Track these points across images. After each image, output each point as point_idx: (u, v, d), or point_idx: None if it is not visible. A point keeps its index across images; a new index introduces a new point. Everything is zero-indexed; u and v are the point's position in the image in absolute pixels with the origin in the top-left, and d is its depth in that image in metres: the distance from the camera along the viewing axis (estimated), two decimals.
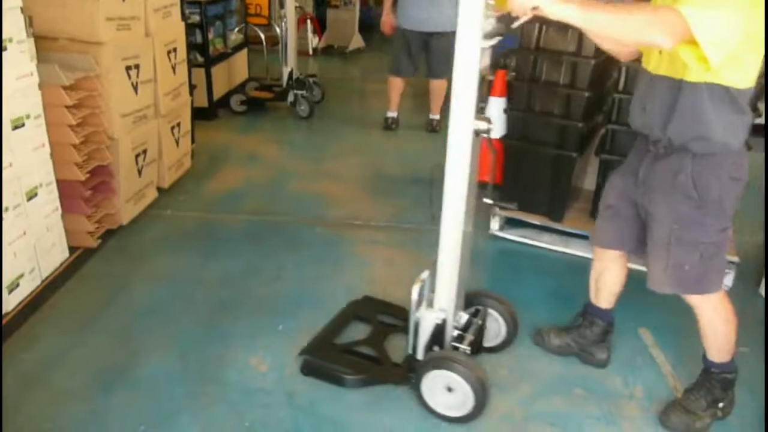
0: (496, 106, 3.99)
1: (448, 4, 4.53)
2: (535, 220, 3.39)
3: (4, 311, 2.48)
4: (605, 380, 2.37)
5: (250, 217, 3.64)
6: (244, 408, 2.17)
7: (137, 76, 3.23)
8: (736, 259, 2.97)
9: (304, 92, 5.51)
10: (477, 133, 1.84)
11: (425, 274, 2.12)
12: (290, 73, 5.56)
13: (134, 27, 3.19)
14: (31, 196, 2.58)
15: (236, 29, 5.98)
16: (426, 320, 2.13)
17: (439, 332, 2.14)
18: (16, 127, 2.45)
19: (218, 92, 5.42)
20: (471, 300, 2.35)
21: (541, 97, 3.18)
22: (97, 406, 2.15)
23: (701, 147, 1.84)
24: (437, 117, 5.24)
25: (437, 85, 5.03)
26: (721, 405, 2.15)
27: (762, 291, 2.98)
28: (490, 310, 2.37)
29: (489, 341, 2.42)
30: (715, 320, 2.06)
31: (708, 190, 1.87)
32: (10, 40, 2.38)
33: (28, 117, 2.51)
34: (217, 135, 5.03)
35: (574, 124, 3.10)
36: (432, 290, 2.14)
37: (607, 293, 2.36)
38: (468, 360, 2.07)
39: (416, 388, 2.14)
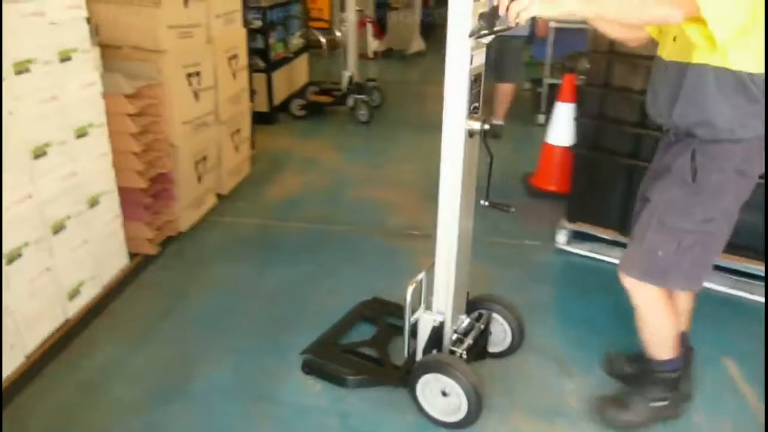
0: (565, 112, 3.83)
1: None
2: (605, 234, 3.19)
3: (65, 318, 2.50)
4: (687, 415, 2.17)
5: (309, 225, 3.59)
6: (297, 427, 2.10)
7: (198, 83, 3.23)
8: None
9: (364, 97, 5.45)
10: (471, 133, 1.81)
11: (421, 276, 2.12)
12: (350, 78, 5.52)
13: (196, 34, 3.19)
14: (93, 204, 2.60)
15: (298, 33, 5.99)
16: (424, 322, 2.12)
17: (436, 335, 2.11)
18: (80, 136, 2.46)
19: (279, 97, 5.43)
20: (475, 304, 2.30)
21: (615, 104, 2.99)
22: (152, 419, 2.12)
23: (706, 133, 1.74)
24: (500, 122, 5.08)
25: (504, 89, 4.87)
26: (663, 404, 2.05)
27: None
28: (495, 315, 2.32)
29: (494, 347, 2.37)
30: (659, 317, 1.97)
31: (708, 178, 1.76)
32: (75, 50, 2.39)
33: (91, 126, 2.53)
34: (276, 140, 5.03)
35: (651, 132, 2.89)
36: (431, 293, 2.12)
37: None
38: (463, 364, 2.03)
39: (411, 391, 2.10)
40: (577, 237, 3.30)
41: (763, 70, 1.66)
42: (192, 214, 3.37)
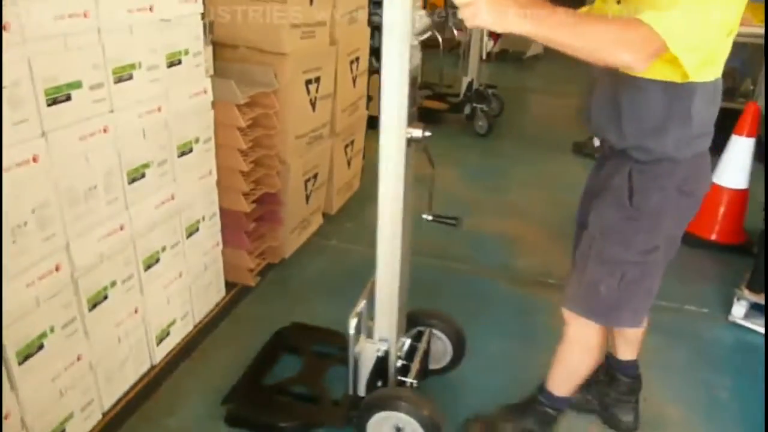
0: (743, 148, 3.16)
1: None
2: None
3: (150, 364, 2.16)
4: None
5: (421, 258, 3.05)
6: None
7: (317, 90, 2.81)
8: None
9: (483, 106, 4.91)
10: (410, 141, 1.63)
11: (363, 304, 1.89)
12: (470, 84, 4.99)
13: (319, 35, 2.76)
14: (192, 232, 2.23)
15: None
16: (366, 353, 1.90)
17: (381, 366, 1.90)
18: (182, 154, 2.09)
19: None
20: (411, 321, 2.10)
21: None
22: None
23: (642, 155, 1.55)
24: None
25: None
26: None
27: None
28: (434, 331, 2.16)
29: (435, 363, 2.21)
30: (584, 357, 1.83)
31: (646, 199, 1.56)
32: (186, 53, 2.01)
33: (197, 141, 2.15)
34: None
35: None
36: (371, 318, 1.90)
37: (623, 340, 2.01)
38: (416, 396, 1.86)
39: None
40: (758, 310, 2.65)
41: (714, 77, 1.46)
42: (297, 238, 2.97)
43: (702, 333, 2.63)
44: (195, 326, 2.37)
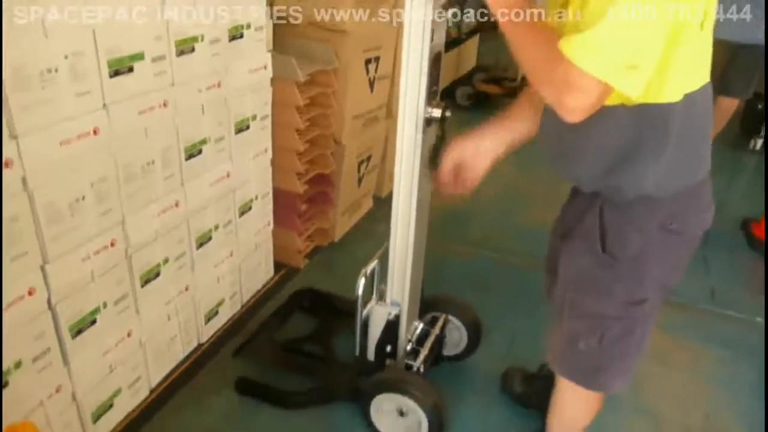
0: None
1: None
2: None
3: (198, 343, 2.14)
4: None
5: (474, 250, 3.02)
6: None
7: (375, 70, 2.72)
8: None
9: None
10: (429, 121, 1.58)
11: (373, 264, 1.85)
12: None
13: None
14: (245, 210, 2.19)
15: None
16: (377, 316, 1.85)
17: (391, 330, 1.85)
18: (239, 131, 2.04)
19: (444, 81, 4.85)
20: (427, 306, 2.05)
21: None
22: None
23: (616, 195, 1.26)
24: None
25: (726, 104, 3.95)
26: None
27: None
28: (450, 317, 2.09)
29: (450, 350, 2.16)
30: (580, 412, 1.56)
31: (623, 244, 1.27)
32: (248, 26, 1.95)
33: (254, 118, 2.10)
34: None
35: None
36: (382, 281, 1.85)
37: None
38: (422, 382, 1.82)
39: (365, 409, 1.86)
40: None
41: (702, 81, 1.16)
42: (347, 221, 2.91)
43: None
44: (242, 306, 2.34)
